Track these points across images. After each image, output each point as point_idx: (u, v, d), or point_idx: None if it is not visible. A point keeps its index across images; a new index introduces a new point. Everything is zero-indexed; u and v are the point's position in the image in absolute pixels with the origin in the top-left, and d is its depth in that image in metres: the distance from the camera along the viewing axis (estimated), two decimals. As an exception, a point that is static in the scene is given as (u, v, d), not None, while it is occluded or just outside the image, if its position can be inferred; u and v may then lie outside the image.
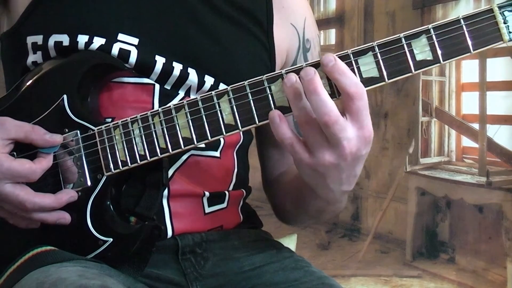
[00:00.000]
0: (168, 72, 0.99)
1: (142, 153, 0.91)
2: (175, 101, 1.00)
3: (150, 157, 0.91)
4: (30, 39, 0.99)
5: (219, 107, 0.88)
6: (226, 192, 1.06)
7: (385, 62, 0.83)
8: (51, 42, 0.97)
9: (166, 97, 0.99)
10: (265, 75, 0.86)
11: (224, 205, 1.06)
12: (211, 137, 0.89)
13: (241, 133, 1.07)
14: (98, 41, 0.96)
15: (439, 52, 0.82)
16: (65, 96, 0.94)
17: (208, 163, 1.03)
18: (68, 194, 0.92)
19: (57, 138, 0.92)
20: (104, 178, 0.93)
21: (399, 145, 3.45)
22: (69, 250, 0.91)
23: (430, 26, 0.82)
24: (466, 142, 3.25)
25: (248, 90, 0.86)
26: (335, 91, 0.83)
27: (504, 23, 0.80)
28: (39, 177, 0.91)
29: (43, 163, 0.91)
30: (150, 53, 0.98)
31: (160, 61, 0.98)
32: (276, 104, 0.85)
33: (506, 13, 0.80)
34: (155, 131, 0.91)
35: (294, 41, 1.15)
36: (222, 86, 1.02)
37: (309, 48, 1.16)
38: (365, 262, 3.36)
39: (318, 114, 0.80)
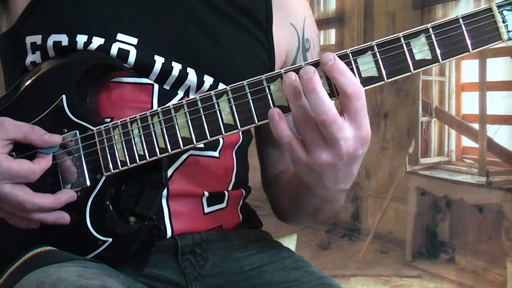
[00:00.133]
0: (167, 72, 0.99)
1: (141, 153, 0.91)
2: (174, 101, 1.00)
3: (149, 157, 0.91)
4: (29, 39, 0.99)
5: (218, 106, 0.88)
6: (226, 192, 1.06)
7: (384, 62, 0.82)
8: (50, 42, 0.97)
9: (165, 97, 0.99)
10: (264, 75, 0.86)
11: (223, 205, 1.06)
12: (211, 137, 0.88)
13: (240, 133, 1.07)
14: (97, 41, 0.96)
15: (438, 51, 0.82)
16: (64, 96, 0.94)
17: (207, 163, 1.03)
18: (67, 194, 0.92)
19: (56, 139, 0.92)
20: (104, 178, 0.93)
21: (399, 145, 3.45)
22: (68, 250, 0.91)
23: (429, 25, 0.82)
24: (466, 142, 3.25)
25: (247, 90, 0.86)
26: (334, 90, 0.83)
27: (503, 22, 0.80)
28: (38, 178, 0.91)
29: (42, 164, 0.91)
30: (149, 53, 0.98)
31: (159, 61, 0.98)
32: (275, 104, 0.85)
33: (505, 12, 0.80)
34: (154, 131, 0.91)
35: (294, 41, 1.15)
36: (221, 86, 1.02)
37: (308, 48, 1.16)
38: (365, 262, 3.36)
39: (316, 113, 0.80)
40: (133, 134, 0.92)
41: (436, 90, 3.30)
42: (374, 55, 0.83)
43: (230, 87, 0.87)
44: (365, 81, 0.83)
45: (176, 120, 0.89)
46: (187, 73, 1.00)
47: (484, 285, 2.89)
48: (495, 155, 2.99)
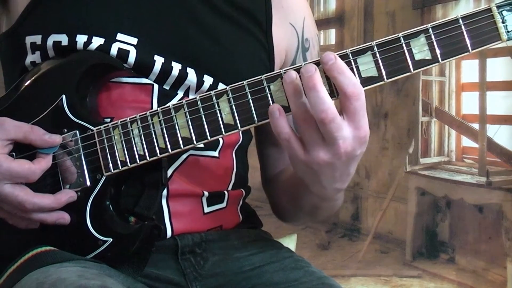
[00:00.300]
0: (167, 72, 0.99)
1: (142, 153, 0.91)
2: (174, 101, 1.00)
3: (150, 157, 0.91)
4: (29, 39, 0.99)
5: (218, 106, 0.88)
6: (225, 192, 1.06)
7: (384, 62, 0.83)
8: (49, 42, 0.97)
9: (165, 97, 0.99)
10: (264, 75, 0.86)
11: (223, 205, 1.06)
12: (211, 137, 0.89)
13: (240, 133, 1.07)
14: (97, 41, 0.96)
15: (437, 51, 0.82)
16: (64, 96, 0.94)
17: (207, 163, 1.03)
18: (68, 195, 0.92)
19: (56, 139, 0.92)
20: (104, 178, 0.93)
21: (399, 145, 3.45)
22: (68, 250, 0.91)
23: (428, 25, 0.82)
24: (466, 142, 3.25)
25: (247, 90, 0.87)
26: (334, 90, 0.83)
27: (503, 22, 0.80)
28: (39, 178, 0.91)
29: (42, 164, 0.91)
30: (149, 53, 0.98)
31: (159, 61, 0.98)
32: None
33: (504, 12, 0.80)
34: (154, 131, 0.91)
35: (293, 40, 1.15)
36: (221, 86, 1.02)
37: (308, 47, 1.16)
38: (365, 262, 3.36)
39: (316, 111, 0.80)
40: (133, 134, 0.92)
41: (436, 90, 3.30)
42: (374, 55, 0.83)
43: (230, 87, 0.87)
44: (365, 81, 0.83)
45: (176, 120, 0.89)
46: (187, 73, 1.00)
47: (484, 285, 2.89)
48: (495, 155, 2.99)
